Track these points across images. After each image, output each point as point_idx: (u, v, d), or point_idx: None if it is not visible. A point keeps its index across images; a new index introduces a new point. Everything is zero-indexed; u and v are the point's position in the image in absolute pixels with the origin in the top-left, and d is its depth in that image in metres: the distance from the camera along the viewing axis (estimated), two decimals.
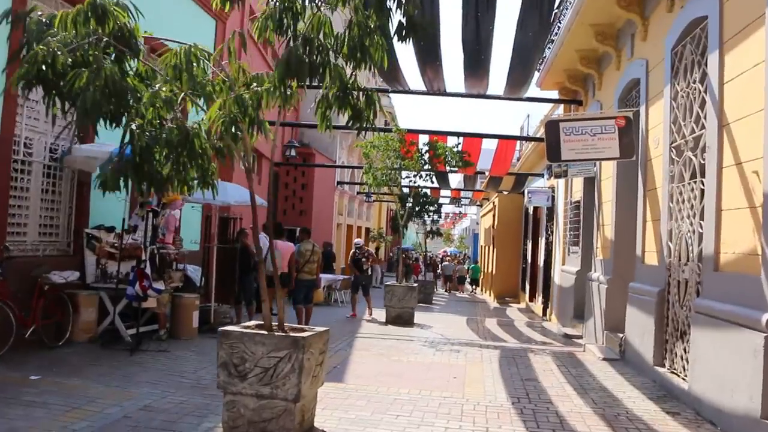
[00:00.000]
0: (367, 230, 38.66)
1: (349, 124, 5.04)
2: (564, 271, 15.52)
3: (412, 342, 11.32)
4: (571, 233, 15.30)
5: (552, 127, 10.45)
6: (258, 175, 20.05)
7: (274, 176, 22.47)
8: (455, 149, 14.44)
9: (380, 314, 14.75)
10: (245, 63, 5.27)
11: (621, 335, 10.22)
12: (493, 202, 29.66)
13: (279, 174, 23.15)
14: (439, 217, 27.73)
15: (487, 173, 20.60)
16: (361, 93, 4.92)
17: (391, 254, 42.24)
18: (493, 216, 29.44)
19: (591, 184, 13.68)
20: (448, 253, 53.98)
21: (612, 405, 6.94)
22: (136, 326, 8.99)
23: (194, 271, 11.62)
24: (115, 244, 9.64)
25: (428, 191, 26.38)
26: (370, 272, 15.95)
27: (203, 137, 4.60)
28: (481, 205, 38.87)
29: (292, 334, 5.12)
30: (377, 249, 37.25)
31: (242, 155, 5.33)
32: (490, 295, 29.72)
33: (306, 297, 11.92)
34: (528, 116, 27.07)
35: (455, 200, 34.22)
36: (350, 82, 4.88)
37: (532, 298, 22.07)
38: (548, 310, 17.84)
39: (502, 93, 14.43)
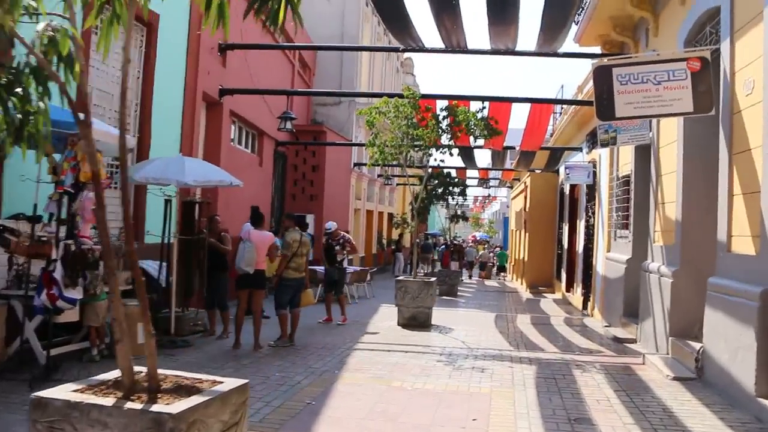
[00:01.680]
0: (390, 216, 36.30)
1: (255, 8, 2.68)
2: (610, 260, 13.02)
3: (424, 356, 8.95)
4: (618, 214, 12.81)
5: (603, 74, 7.99)
6: (259, 155, 17.81)
7: (281, 157, 20.30)
8: (479, 114, 11.90)
9: (393, 313, 12.36)
10: None
11: (697, 346, 7.76)
12: (525, 182, 27.08)
13: (287, 155, 20.90)
14: (465, 199, 25.27)
15: (517, 148, 18.04)
16: None
17: (417, 240, 39.97)
18: (525, 197, 26.86)
19: (644, 154, 11.19)
20: (477, 238, 51.59)
21: None
22: (48, 347, 6.76)
23: (157, 269, 9.47)
24: (42, 238, 7.45)
25: (453, 171, 23.94)
26: (345, 264, 12.69)
27: None
28: (511, 187, 36.24)
29: (155, 408, 2.79)
30: (401, 236, 34.92)
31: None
32: (521, 283, 27.21)
33: (293, 300, 9.59)
34: (562, 86, 24.39)
35: (483, 181, 31.68)
36: None
37: (569, 288, 19.53)
38: (590, 304, 15.34)
39: (534, 47, 11.97)
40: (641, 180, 11.39)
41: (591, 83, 14.94)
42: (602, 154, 14.37)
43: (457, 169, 24.03)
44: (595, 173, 15.39)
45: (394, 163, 12.79)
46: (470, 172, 26.70)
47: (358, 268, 18.60)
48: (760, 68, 6.41)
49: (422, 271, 28.32)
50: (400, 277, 13.04)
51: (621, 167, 12.76)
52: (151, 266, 9.58)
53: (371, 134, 12.15)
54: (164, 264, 9.34)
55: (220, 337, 9.74)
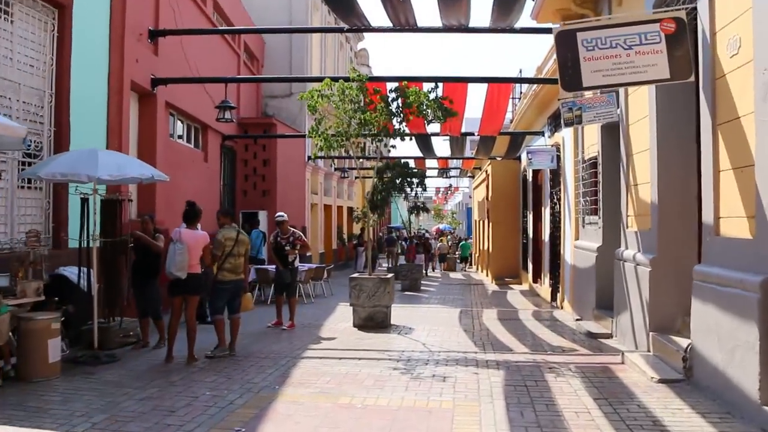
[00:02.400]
0: (350, 210, 35.35)
1: None
2: (579, 248, 12.23)
3: (379, 363, 7.97)
4: (586, 200, 12.02)
5: (566, 39, 7.11)
6: (204, 150, 16.67)
7: (230, 152, 19.17)
8: (432, 95, 10.90)
9: (350, 313, 11.28)
10: None
11: (683, 342, 6.95)
12: (486, 171, 26.30)
13: (235, 149, 19.78)
14: (424, 190, 24.37)
15: (476, 134, 17.16)
16: None
17: (380, 234, 39.06)
18: (487, 186, 26.08)
19: (612, 133, 10.41)
20: (441, 230, 50.95)
21: None
22: None
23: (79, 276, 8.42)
24: None
25: (411, 161, 23.08)
26: (296, 264, 11.33)
27: None
28: (472, 177, 35.52)
29: None
30: (363, 230, 34.00)
31: None
32: (487, 275, 26.46)
33: (231, 305, 8.57)
34: (521, 71, 23.56)
35: (443, 171, 30.82)
36: None
37: (536, 279, 18.78)
38: (559, 296, 14.57)
39: (489, 23, 11.05)
40: (610, 161, 10.62)
41: (550, 64, 14.19)
42: (566, 136, 13.61)
43: (415, 158, 23.20)
44: (558, 157, 14.62)
45: (342, 152, 11.73)
46: (429, 162, 25.86)
47: (314, 266, 17.59)
48: (748, 23, 5.57)
49: (386, 265, 27.49)
50: (354, 275, 12.04)
51: (587, 149, 11.98)
52: (73, 273, 8.54)
53: (313, 120, 11.10)
54: (85, 270, 8.30)
55: (156, 347, 8.71)
